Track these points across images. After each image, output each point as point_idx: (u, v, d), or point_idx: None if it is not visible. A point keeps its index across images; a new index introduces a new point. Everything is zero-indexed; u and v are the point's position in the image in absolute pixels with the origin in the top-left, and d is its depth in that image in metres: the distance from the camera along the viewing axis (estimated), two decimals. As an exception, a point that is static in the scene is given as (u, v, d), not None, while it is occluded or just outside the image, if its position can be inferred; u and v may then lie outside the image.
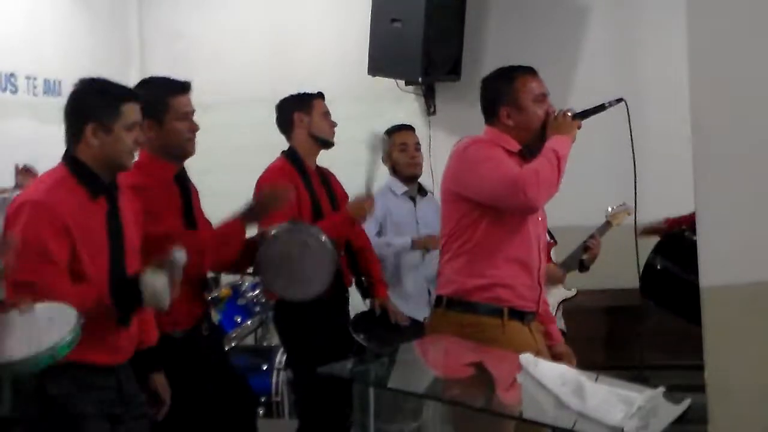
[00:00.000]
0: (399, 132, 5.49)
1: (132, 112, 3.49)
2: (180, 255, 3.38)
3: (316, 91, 4.98)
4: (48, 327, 3.04)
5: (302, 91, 5.00)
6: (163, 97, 3.95)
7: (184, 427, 3.86)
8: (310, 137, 4.86)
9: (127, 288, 3.33)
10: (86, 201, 3.43)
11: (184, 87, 4.00)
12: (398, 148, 5.39)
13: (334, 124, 4.93)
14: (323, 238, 4.12)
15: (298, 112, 4.88)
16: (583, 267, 5.21)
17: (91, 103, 3.48)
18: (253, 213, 4.01)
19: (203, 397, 3.91)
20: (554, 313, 5.12)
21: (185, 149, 3.96)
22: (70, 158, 3.48)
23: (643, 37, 6.72)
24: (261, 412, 5.72)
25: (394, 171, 5.43)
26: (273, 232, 4.06)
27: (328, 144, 4.90)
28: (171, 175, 3.96)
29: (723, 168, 3.40)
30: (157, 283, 3.27)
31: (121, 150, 3.46)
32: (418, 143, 5.50)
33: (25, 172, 5.40)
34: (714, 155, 3.39)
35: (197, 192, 4.10)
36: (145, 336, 3.66)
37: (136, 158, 3.61)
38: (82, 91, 3.52)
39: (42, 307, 3.10)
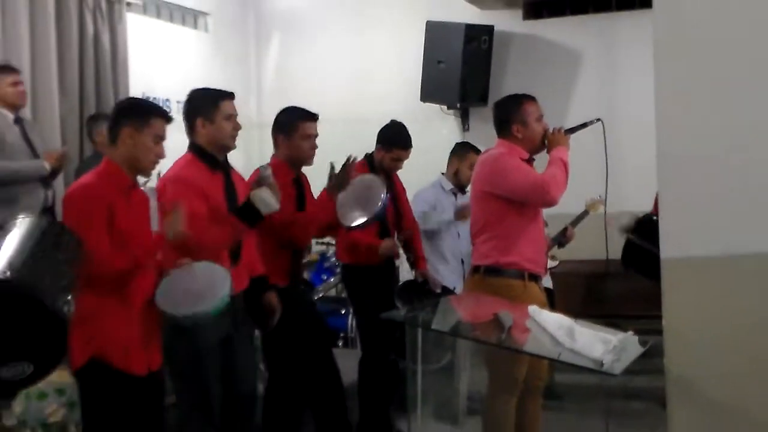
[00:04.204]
0: (471, 152, 5.13)
1: (227, 106, 3.49)
2: (266, 170, 3.47)
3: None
4: (212, 280, 3.07)
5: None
6: (294, 121, 4.00)
7: (286, 347, 4.00)
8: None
9: (245, 209, 3.35)
10: (209, 174, 3.45)
11: (311, 116, 4.04)
12: (467, 166, 5.03)
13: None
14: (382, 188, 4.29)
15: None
16: (561, 245, 5.13)
17: (197, 104, 3.50)
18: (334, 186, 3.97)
19: (299, 329, 3.98)
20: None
21: (305, 161, 4.05)
22: (192, 145, 3.51)
23: (622, 75, 6.63)
24: (340, 344, 5.75)
25: (455, 176, 5.21)
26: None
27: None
28: (291, 178, 4.02)
29: (680, 168, 3.29)
30: (262, 194, 3.33)
31: (223, 135, 3.47)
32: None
33: None
34: (674, 156, 3.28)
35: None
36: (254, 268, 3.66)
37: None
38: (190, 97, 3.55)
39: (197, 266, 3.11)
